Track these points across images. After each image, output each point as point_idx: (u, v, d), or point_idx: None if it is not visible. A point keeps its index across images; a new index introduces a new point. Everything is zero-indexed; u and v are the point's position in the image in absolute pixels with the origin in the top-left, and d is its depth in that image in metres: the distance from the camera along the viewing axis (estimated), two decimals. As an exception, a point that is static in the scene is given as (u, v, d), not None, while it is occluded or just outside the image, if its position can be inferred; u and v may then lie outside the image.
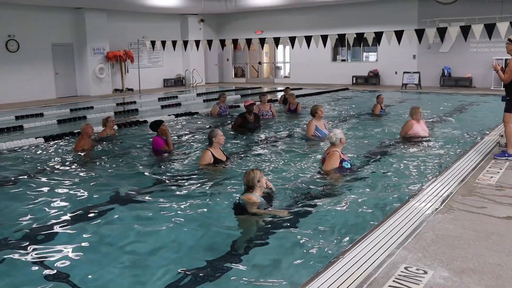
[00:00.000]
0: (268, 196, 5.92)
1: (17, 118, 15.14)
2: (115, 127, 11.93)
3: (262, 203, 5.58)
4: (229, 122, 12.61)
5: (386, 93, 20.29)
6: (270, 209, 5.64)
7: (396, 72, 23.53)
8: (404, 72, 22.31)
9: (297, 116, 13.59)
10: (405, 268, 3.89)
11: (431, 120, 12.34)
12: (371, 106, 13.78)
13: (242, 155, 8.77)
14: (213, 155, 7.58)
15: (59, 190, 6.98)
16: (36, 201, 6.52)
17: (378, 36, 16.35)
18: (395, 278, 3.73)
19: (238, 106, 16.07)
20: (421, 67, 22.68)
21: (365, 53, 26.02)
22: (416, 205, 5.46)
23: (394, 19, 22.59)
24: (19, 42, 19.98)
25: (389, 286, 3.61)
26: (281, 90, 21.26)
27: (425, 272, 3.81)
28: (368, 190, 6.39)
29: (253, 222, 5.38)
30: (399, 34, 15.78)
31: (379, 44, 18.12)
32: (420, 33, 15.71)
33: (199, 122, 13.32)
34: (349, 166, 7.12)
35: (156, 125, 9.02)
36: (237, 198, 5.73)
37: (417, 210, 5.29)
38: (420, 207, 5.39)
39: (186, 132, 11.71)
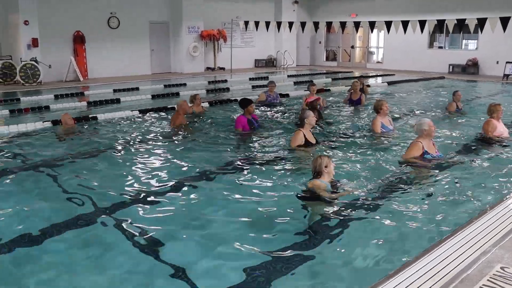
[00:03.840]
0: (337, 182, 5.78)
1: (114, 91, 15.88)
2: (206, 104, 12.17)
3: (329, 189, 5.45)
4: (279, 109, 12.07)
5: (485, 84, 19.30)
6: (336, 195, 5.49)
7: (497, 62, 22.12)
8: (507, 62, 20.89)
9: (360, 109, 12.03)
10: (501, 268, 3.67)
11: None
12: (463, 98, 12.14)
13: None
14: (304, 136, 7.52)
15: (148, 162, 7.32)
16: (130, 169, 6.91)
17: (480, 23, 15.48)
18: (490, 277, 3.53)
19: (329, 90, 15.83)
20: (527, 57, 21.17)
21: (464, 40, 24.66)
22: (514, 204, 5.12)
23: (499, 3, 21.19)
24: (119, 19, 20.82)
25: (483, 285, 3.42)
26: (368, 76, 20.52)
27: (524, 275, 3.57)
28: (457, 185, 6.06)
29: (320, 208, 5.29)
30: (505, 21, 14.85)
31: (481, 31, 17.06)
32: (529, 21, 14.71)
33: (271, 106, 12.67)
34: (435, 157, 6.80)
35: (245, 104, 9.05)
36: (306, 183, 5.66)
37: (516, 208, 4.97)
38: (519, 205, 5.06)
39: (268, 114, 11.64)
